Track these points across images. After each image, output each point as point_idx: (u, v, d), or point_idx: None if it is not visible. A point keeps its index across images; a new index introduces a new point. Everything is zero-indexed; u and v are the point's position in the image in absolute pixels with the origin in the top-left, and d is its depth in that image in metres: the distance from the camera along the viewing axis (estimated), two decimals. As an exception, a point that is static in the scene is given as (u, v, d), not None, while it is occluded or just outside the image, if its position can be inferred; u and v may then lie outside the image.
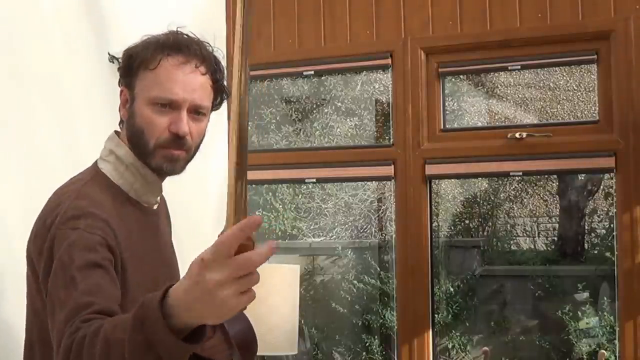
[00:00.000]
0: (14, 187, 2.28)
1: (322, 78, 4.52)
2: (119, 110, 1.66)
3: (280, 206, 4.81)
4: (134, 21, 2.68)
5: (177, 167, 1.63)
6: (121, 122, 1.67)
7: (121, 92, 1.65)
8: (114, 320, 1.23)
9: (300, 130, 4.81)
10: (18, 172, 2.32)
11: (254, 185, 4.01)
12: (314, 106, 4.84)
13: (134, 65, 1.60)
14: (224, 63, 1.67)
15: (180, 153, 1.61)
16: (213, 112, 1.69)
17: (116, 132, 1.68)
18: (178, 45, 1.59)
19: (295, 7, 3.35)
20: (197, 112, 1.60)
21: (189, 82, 1.58)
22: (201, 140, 1.66)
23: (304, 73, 3.42)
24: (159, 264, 1.69)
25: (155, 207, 1.72)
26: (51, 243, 1.47)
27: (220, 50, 1.65)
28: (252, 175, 4.22)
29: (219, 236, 1.06)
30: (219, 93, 1.66)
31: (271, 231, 4.81)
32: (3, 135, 2.31)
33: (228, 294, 1.04)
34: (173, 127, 1.57)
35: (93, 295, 1.35)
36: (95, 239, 1.46)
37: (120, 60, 1.66)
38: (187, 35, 1.63)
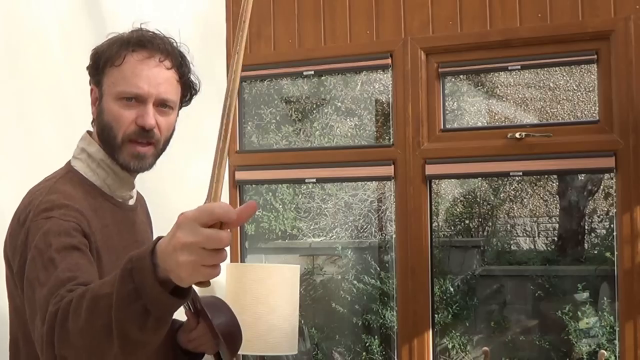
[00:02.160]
0: (14, 187, 2.27)
1: (322, 78, 4.51)
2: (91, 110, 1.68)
3: (280, 206, 4.80)
4: (134, 21, 2.68)
5: (144, 164, 1.64)
6: (93, 121, 1.68)
7: (91, 90, 1.67)
8: (100, 281, 1.22)
9: (300, 130, 4.79)
10: (18, 172, 2.32)
11: (253, 185, 4.01)
12: (314, 106, 4.83)
13: (101, 63, 1.63)
14: (189, 58, 1.68)
15: (148, 149, 1.62)
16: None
17: (88, 131, 1.70)
18: (142, 41, 1.61)
19: (295, 7, 3.35)
20: (164, 106, 1.62)
21: (153, 76, 1.59)
22: (171, 135, 1.67)
23: (304, 73, 3.42)
24: None
25: (130, 202, 1.73)
26: (25, 236, 1.47)
27: (185, 46, 1.67)
28: (252, 175, 4.20)
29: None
30: (187, 88, 1.68)
31: (271, 231, 4.80)
32: (3, 135, 2.31)
33: (187, 260, 1.05)
34: (139, 120, 1.59)
35: (74, 272, 1.35)
36: (70, 225, 1.47)
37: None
38: (152, 32, 1.65)
